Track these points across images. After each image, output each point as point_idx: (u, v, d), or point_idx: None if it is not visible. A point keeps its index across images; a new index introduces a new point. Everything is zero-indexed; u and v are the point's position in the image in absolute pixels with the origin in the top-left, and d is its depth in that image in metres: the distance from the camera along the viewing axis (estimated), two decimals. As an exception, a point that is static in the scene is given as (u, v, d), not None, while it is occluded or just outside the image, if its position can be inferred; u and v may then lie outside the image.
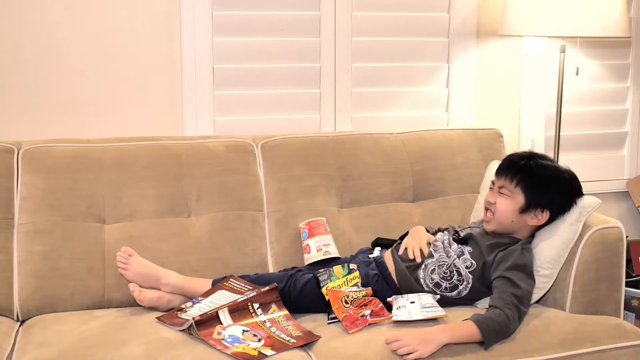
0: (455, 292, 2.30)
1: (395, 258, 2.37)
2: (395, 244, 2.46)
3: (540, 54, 3.15)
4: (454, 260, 2.32)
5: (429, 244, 2.39)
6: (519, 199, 2.33)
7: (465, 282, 2.29)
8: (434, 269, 2.32)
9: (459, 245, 2.35)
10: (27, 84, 2.65)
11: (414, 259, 2.34)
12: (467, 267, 2.30)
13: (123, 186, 2.45)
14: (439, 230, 2.51)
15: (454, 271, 2.30)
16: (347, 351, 2.03)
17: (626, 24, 2.80)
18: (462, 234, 2.40)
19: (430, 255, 2.35)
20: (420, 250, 2.36)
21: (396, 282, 2.33)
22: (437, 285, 2.30)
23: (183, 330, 2.09)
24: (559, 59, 2.95)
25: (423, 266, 2.32)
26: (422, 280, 2.31)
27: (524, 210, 2.33)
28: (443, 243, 2.38)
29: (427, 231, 2.50)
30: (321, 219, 2.54)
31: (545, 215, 2.33)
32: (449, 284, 2.30)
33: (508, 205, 2.34)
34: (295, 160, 2.63)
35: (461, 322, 2.09)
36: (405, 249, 2.38)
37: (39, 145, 2.44)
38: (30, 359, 1.99)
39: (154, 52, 2.74)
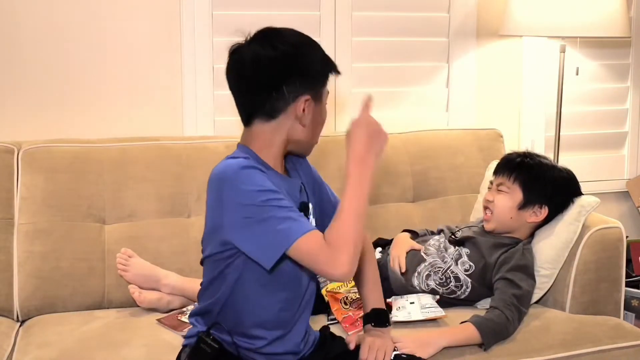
0: (453, 297, 2.30)
1: (389, 270, 2.34)
2: (390, 261, 2.40)
3: (540, 54, 3.15)
4: (450, 266, 2.31)
5: (416, 250, 2.38)
6: (517, 195, 2.33)
7: (464, 287, 2.29)
8: (428, 274, 2.31)
9: (456, 248, 2.35)
10: (27, 84, 2.64)
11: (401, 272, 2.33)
12: (465, 271, 2.29)
13: (123, 186, 2.45)
14: (433, 232, 2.50)
15: (451, 277, 2.29)
16: (347, 352, 2.03)
17: (626, 24, 2.80)
18: (458, 235, 2.39)
19: (422, 260, 2.34)
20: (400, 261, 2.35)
21: (394, 291, 2.31)
22: (434, 291, 2.29)
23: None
24: (559, 59, 2.95)
25: (416, 274, 2.31)
26: (417, 288, 2.31)
27: (522, 206, 2.33)
28: (438, 247, 2.37)
29: (418, 234, 2.49)
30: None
31: (544, 212, 2.33)
32: (446, 289, 2.29)
33: (507, 201, 2.34)
34: (296, 161, 2.63)
35: (460, 325, 2.09)
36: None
37: (39, 145, 2.44)
38: (30, 359, 1.99)
39: (154, 52, 2.74)
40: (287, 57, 1.67)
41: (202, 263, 1.81)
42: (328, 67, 1.75)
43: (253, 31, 1.74)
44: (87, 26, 2.67)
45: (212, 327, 1.77)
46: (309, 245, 1.58)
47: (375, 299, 1.97)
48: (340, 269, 1.56)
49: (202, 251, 1.79)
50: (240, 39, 1.73)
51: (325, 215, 1.90)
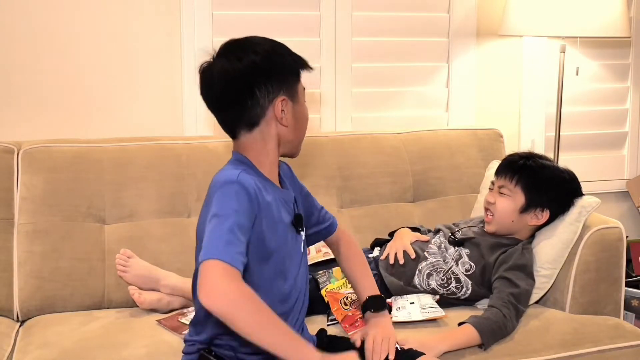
0: (453, 298, 2.29)
1: (384, 272, 2.32)
2: (384, 252, 2.40)
3: (540, 54, 3.15)
4: (451, 266, 2.31)
5: (422, 241, 2.39)
6: (519, 198, 2.33)
7: (464, 289, 2.28)
8: (430, 273, 2.31)
9: (456, 248, 2.34)
10: (27, 84, 2.64)
11: (404, 265, 2.32)
12: (466, 271, 2.29)
13: (123, 186, 2.45)
14: (433, 230, 2.50)
15: (452, 278, 2.29)
16: (347, 352, 2.03)
17: (626, 24, 2.80)
18: (458, 235, 2.38)
19: (424, 259, 2.34)
20: (405, 252, 2.34)
21: (392, 293, 2.31)
22: (434, 291, 2.29)
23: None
24: (559, 59, 2.95)
25: (417, 271, 2.32)
26: (418, 287, 2.30)
27: (524, 209, 2.32)
28: (439, 247, 2.36)
29: (420, 231, 2.49)
30: (321, 219, 2.54)
31: (545, 215, 2.33)
32: (446, 290, 2.29)
33: (508, 204, 2.33)
34: (295, 161, 2.62)
35: (459, 328, 2.08)
36: (388, 254, 2.35)
37: (39, 145, 2.44)
38: (30, 359, 1.99)
39: (154, 52, 2.74)
40: (254, 64, 1.68)
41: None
42: (297, 64, 1.75)
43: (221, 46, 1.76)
44: (87, 26, 2.67)
45: (213, 342, 1.74)
46: (209, 268, 1.48)
47: (368, 286, 1.98)
48: (205, 295, 1.46)
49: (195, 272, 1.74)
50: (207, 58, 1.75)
51: (312, 223, 1.94)
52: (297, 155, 1.84)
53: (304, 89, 1.79)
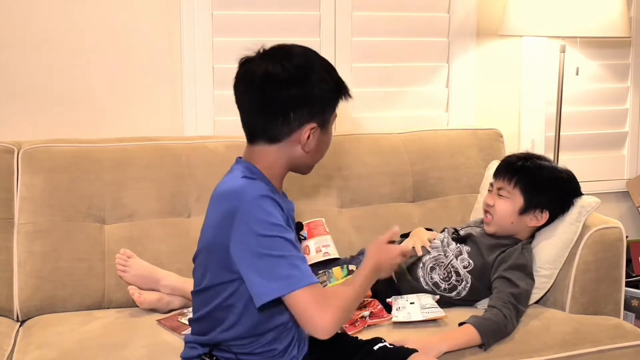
0: (454, 293, 2.30)
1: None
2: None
3: (540, 54, 3.15)
4: (451, 260, 2.32)
5: (429, 240, 2.40)
6: (518, 200, 2.32)
7: (464, 283, 2.29)
8: (433, 267, 2.32)
9: (457, 245, 2.35)
10: (27, 84, 2.64)
11: (415, 255, 2.35)
12: (464, 267, 2.30)
13: (123, 186, 2.45)
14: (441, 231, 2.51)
15: (452, 272, 2.30)
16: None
17: (626, 24, 2.80)
18: (461, 233, 2.40)
19: (427, 253, 2.35)
20: (423, 246, 2.38)
21: (396, 281, 2.33)
22: (436, 285, 2.30)
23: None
24: (559, 59, 2.95)
25: (421, 264, 2.33)
26: (421, 279, 2.31)
27: (523, 211, 2.32)
28: (442, 242, 2.38)
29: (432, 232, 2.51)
30: (320, 219, 2.53)
31: (545, 216, 2.33)
32: (448, 284, 2.30)
33: (507, 206, 2.33)
34: (296, 161, 2.63)
35: (459, 328, 2.08)
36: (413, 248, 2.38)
37: (39, 145, 2.44)
38: (30, 359, 1.99)
39: (154, 52, 2.74)
40: (298, 83, 1.62)
41: (194, 293, 1.78)
42: (339, 94, 1.70)
43: (266, 45, 1.70)
44: (87, 26, 2.67)
45: (214, 348, 1.75)
46: (306, 299, 1.57)
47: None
48: (325, 326, 1.59)
49: (197, 274, 1.74)
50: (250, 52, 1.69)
51: None
52: (306, 175, 1.82)
53: (336, 116, 1.74)
